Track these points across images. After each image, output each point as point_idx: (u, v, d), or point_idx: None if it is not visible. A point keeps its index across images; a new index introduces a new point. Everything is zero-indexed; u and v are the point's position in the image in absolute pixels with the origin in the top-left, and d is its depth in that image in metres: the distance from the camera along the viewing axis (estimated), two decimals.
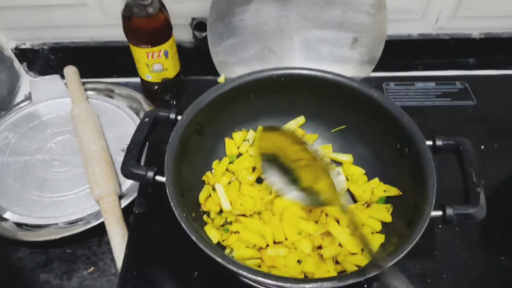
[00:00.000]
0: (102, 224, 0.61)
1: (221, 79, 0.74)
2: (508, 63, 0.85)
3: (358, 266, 0.50)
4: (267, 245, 0.52)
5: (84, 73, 0.83)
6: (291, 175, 0.52)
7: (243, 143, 0.63)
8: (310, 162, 0.50)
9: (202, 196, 0.57)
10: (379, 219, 0.53)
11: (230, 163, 0.61)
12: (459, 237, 0.57)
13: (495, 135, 0.68)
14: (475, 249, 0.56)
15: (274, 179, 0.53)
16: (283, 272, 0.48)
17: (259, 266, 0.51)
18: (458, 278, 0.53)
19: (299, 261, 0.49)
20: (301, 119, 0.63)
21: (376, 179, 0.57)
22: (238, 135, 0.63)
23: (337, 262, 0.51)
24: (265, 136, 0.55)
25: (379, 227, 0.52)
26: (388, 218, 0.52)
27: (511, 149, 0.67)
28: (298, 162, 0.52)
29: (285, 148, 0.53)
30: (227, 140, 0.63)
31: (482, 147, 0.66)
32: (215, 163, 0.61)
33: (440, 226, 0.57)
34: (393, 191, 0.54)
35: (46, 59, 0.86)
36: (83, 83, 0.81)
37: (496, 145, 0.67)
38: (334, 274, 0.48)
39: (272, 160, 0.54)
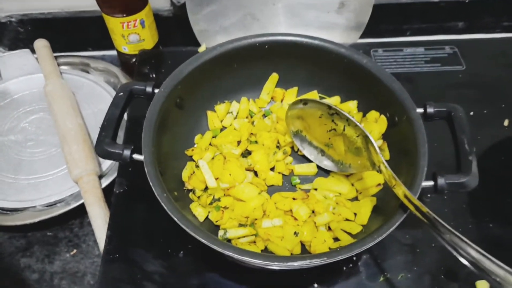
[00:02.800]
0: (83, 205, 0.59)
1: (201, 49, 0.70)
2: (497, 26, 0.83)
3: (349, 233, 0.49)
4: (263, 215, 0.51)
5: (56, 47, 0.78)
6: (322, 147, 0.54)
7: (226, 116, 0.60)
8: (343, 131, 0.50)
9: (185, 174, 0.54)
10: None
11: (213, 137, 0.58)
12: (448, 206, 0.56)
13: (484, 100, 0.67)
14: (463, 217, 0.55)
15: (306, 151, 0.56)
16: (280, 245, 0.47)
17: (254, 242, 0.49)
18: (446, 248, 0.52)
19: (296, 233, 0.48)
20: (275, 76, 0.61)
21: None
22: (221, 108, 0.60)
23: (329, 229, 0.51)
24: (293, 111, 0.54)
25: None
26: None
27: (499, 115, 0.66)
28: (331, 132, 0.52)
29: (315, 121, 0.52)
30: (209, 113, 0.60)
31: (471, 113, 0.65)
32: (197, 138, 0.58)
33: (429, 195, 0.57)
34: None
35: (15, 33, 0.81)
36: (56, 58, 0.77)
37: (485, 111, 0.66)
38: (331, 243, 0.47)
39: (302, 134, 0.55)
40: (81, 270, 0.58)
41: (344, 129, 0.50)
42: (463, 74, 0.70)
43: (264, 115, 0.61)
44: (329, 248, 0.46)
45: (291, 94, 0.61)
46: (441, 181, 0.43)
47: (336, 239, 0.49)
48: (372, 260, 0.51)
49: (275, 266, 0.37)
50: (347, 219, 0.51)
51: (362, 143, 0.47)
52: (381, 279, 0.50)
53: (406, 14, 0.81)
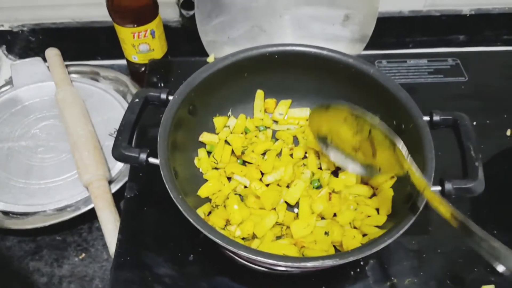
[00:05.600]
0: (92, 210, 0.60)
1: (210, 59, 0.72)
2: (497, 40, 0.85)
3: (378, 226, 0.49)
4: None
5: (66, 56, 0.79)
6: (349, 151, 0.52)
7: (223, 130, 0.60)
8: (369, 134, 0.49)
9: (197, 161, 0.56)
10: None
11: (209, 152, 0.59)
12: None
13: (487, 111, 0.68)
14: None
15: (332, 155, 0.54)
16: (315, 249, 0.47)
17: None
18: (452, 253, 0.53)
19: (326, 233, 0.48)
20: (260, 93, 0.61)
21: None
22: (219, 121, 0.60)
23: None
24: (316, 116, 0.53)
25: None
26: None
27: (502, 125, 0.67)
28: (357, 135, 0.51)
29: (340, 124, 0.51)
30: (215, 119, 0.60)
31: (474, 123, 0.66)
32: (197, 162, 0.58)
33: None
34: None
35: (26, 42, 0.82)
36: (66, 66, 0.78)
37: (488, 121, 0.67)
38: (360, 238, 0.48)
39: (327, 139, 0.54)
40: (90, 274, 0.58)
41: (370, 132, 0.49)
42: (466, 85, 0.72)
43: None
44: (361, 244, 0.46)
45: (284, 105, 0.62)
46: (448, 186, 0.44)
47: (364, 235, 0.49)
48: (379, 265, 0.52)
49: (288, 266, 0.38)
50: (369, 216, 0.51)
51: (390, 145, 0.46)
52: (388, 283, 0.50)
53: (408, 27, 0.83)
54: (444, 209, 0.39)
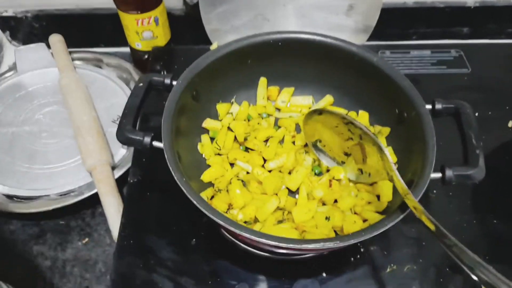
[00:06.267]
0: (95, 195, 0.60)
1: (213, 47, 0.71)
2: (501, 32, 0.85)
3: (378, 212, 0.50)
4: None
5: (70, 43, 0.80)
6: (339, 157, 0.55)
7: (226, 116, 0.60)
8: (359, 139, 0.50)
9: (200, 147, 0.57)
10: None
11: (212, 138, 0.59)
12: (453, 202, 0.57)
13: (489, 102, 0.68)
14: (468, 213, 0.57)
15: (325, 161, 0.56)
16: (316, 233, 0.48)
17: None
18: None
19: (327, 218, 0.48)
20: (263, 80, 0.62)
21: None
22: (222, 107, 0.60)
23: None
24: (310, 121, 0.54)
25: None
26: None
27: (504, 117, 0.67)
28: (348, 141, 0.52)
29: (332, 130, 0.53)
30: (218, 106, 0.60)
31: (476, 114, 0.66)
32: (200, 148, 0.58)
33: (434, 191, 0.58)
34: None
35: (30, 28, 0.82)
36: (70, 53, 0.78)
37: (490, 112, 0.67)
38: (361, 223, 0.48)
39: (320, 145, 0.56)
40: (93, 258, 0.59)
41: (361, 138, 0.50)
42: (469, 76, 0.72)
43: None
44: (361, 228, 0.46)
45: (287, 92, 0.62)
46: (449, 173, 0.44)
47: (365, 221, 0.50)
48: (379, 252, 0.52)
49: (289, 248, 0.38)
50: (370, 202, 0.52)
51: (378, 151, 0.48)
52: (388, 270, 0.51)
53: (412, 18, 0.83)
54: (424, 218, 0.40)
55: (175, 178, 0.42)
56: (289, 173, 0.55)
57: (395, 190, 0.47)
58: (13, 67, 0.78)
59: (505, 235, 0.55)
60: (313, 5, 0.73)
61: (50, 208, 0.60)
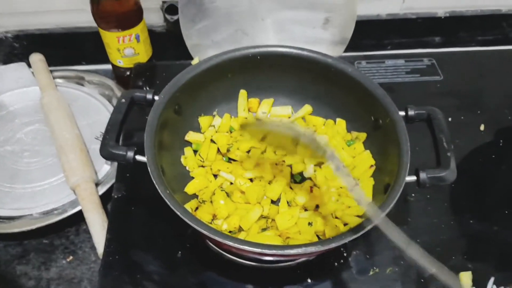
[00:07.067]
0: (79, 213, 0.60)
1: (194, 62, 0.73)
2: (472, 40, 0.89)
3: (358, 216, 0.51)
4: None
5: (51, 61, 0.80)
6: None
7: (208, 129, 0.61)
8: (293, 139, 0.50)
9: (184, 160, 0.57)
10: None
11: (195, 151, 0.60)
12: (431, 205, 0.59)
13: (461, 108, 0.71)
14: (446, 214, 0.59)
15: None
16: (299, 239, 0.49)
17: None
18: (430, 242, 0.55)
19: (310, 224, 0.50)
20: (243, 93, 0.63)
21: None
22: (204, 120, 0.61)
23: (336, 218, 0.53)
24: (245, 132, 0.55)
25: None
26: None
27: (476, 121, 0.70)
28: (284, 146, 0.54)
29: (266, 135, 0.53)
30: (200, 119, 0.61)
31: (450, 119, 0.69)
32: (184, 160, 0.59)
33: (413, 195, 0.60)
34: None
35: (10, 48, 0.83)
36: (51, 71, 0.79)
37: (462, 117, 0.70)
38: (342, 227, 0.50)
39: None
40: (78, 276, 0.58)
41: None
42: (441, 83, 0.75)
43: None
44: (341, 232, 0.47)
45: (267, 104, 0.63)
46: (423, 175, 0.46)
47: (346, 225, 0.51)
48: (362, 256, 0.54)
49: (272, 255, 0.39)
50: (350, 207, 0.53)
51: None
52: (371, 273, 0.52)
53: (386, 29, 0.86)
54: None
55: (159, 191, 0.43)
56: (269, 183, 0.56)
57: (373, 194, 0.49)
58: None
59: (480, 234, 0.57)
60: (291, 19, 0.75)
61: (34, 227, 0.59)
